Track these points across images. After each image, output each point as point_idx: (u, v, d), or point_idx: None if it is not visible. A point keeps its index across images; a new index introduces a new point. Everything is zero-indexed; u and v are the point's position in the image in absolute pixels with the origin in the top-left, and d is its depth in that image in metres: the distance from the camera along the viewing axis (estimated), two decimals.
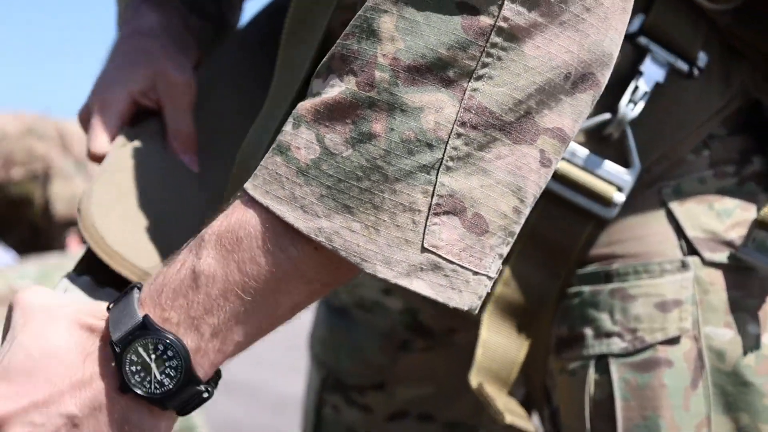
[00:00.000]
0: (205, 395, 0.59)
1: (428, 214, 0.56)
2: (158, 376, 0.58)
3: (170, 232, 0.78)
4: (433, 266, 0.56)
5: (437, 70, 0.55)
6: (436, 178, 0.56)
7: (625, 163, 0.79)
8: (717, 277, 0.78)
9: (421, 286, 0.56)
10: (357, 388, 1.01)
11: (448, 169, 0.56)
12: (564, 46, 0.56)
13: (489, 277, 0.59)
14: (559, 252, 0.81)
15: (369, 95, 0.56)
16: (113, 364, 0.59)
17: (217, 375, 0.62)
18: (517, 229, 0.59)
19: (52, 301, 0.63)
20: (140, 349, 0.58)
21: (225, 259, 0.57)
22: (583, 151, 0.79)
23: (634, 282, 0.78)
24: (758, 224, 0.76)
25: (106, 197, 0.77)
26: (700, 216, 0.79)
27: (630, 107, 0.77)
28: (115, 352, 0.58)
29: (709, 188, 0.80)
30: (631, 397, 0.77)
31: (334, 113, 0.56)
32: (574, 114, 0.58)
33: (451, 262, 0.56)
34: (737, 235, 0.79)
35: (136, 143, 0.84)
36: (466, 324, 0.96)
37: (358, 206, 0.55)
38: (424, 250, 0.56)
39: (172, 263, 0.60)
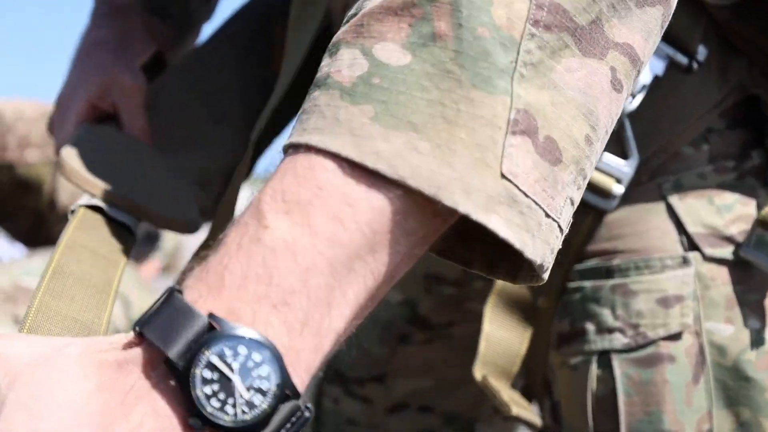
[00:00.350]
0: (307, 414, 0.43)
1: (507, 132, 0.45)
2: (245, 395, 0.41)
3: (136, 174, 0.87)
4: (510, 199, 0.44)
5: None
6: (512, 87, 0.45)
7: (623, 155, 0.79)
8: (718, 273, 0.78)
9: (499, 224, 0.44)
10: (357, 380, 1.01)
11: (522, 77, 0.45)
12: None
13: (560, 227, 0.48)
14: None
15: None
16: (173, 384, 0.42)
17: None
18: (589, 169, 0.49)
19: (42, 345, 0.44)
20: (214, 360, 0.41)
21: (305, 216, 0.43)
22: None
23: (635, 277, 0.78)
24: (759, 223, 0.76)
25: (78, 152, 0.86)
26: (700, 211, 0.79)
27: (628, 100, 0.77)
28: (175, 372, 0.42)
29: (709, 183, 0.80)
30: (633, 392, 0.77)
31: (380, 22, 0.46)
32: (643, 31, 0.50)
33: (527, 196, 0.45)
34: (737, 230, 0.78)
35: (98, 127, 0.94)
36: (464, 316, 0.96)
37: (426, 122, 0.44)
38: (503, 176, 0.44)
39: (220, 249, 0.44)
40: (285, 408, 0.42)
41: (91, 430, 0.41)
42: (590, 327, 0.79)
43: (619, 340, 0.77)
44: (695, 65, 0.79)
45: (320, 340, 0.44)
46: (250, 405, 0.41)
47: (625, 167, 0.78)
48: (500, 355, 0.83)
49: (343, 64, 0.46)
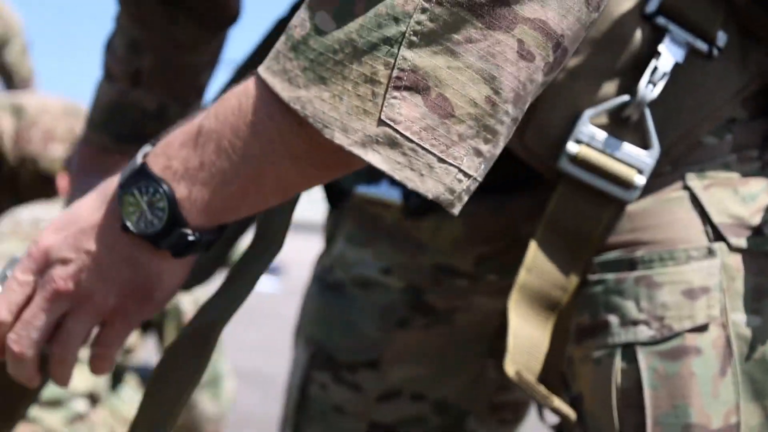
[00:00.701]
0: (191, 238, 0.66)
1: (387, 87, 0.57)
2: (149, 217, 0.66)
3: None
4: (390, 141, 0.58)
5: None
6: (398, 50, 0.57)
7: (644, 145, 0.78)
8: (744, 263, 0.76)
9: (376, 158, 0.58)
10: (348, 365, 1.00)
11: (411, 44, 0.57)
12: None
13: (463, 172, 0.59)
14: (580, 237, 0.80)
15: None
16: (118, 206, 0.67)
17: (219, 231, 0.68)
18: (497, 125, 0.59)
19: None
20: (136, 192, 0.66)
21: (224, 121, 0.62)
22: (601, 134, 0.78)
23: (659, 269, 0.77)
24: None
25: None
26: (725, 201, 0.78)
27: (649, 88, 0.76)
28: (119, 195, 0.67)
29: (734, 173, 0.79)
30: (660, 385, 0.76)
31: None
32: (561, 8, 0.58)
33: (410, 140, 0.58)
34: (762, 220, 0.77)
35: None
36: (468, 306, 0.96)
37: (331, 77, 0.58)
38: (381, 122, 0.58)
39: (187, 122, 0.66)
40: (175, 232, 0.66)
41: (81, 215, 0.70)
42: (613, 319, 0.78)
43: (643, 332, 0.76)
44: (715, 51, 0.78)
45: (212, 200, 0.65)
46: (151, 224, 0.66)
47: (647, 158, 0.77)
48: (528, 349, 0.82)
49: (298, 21, 0.60)
